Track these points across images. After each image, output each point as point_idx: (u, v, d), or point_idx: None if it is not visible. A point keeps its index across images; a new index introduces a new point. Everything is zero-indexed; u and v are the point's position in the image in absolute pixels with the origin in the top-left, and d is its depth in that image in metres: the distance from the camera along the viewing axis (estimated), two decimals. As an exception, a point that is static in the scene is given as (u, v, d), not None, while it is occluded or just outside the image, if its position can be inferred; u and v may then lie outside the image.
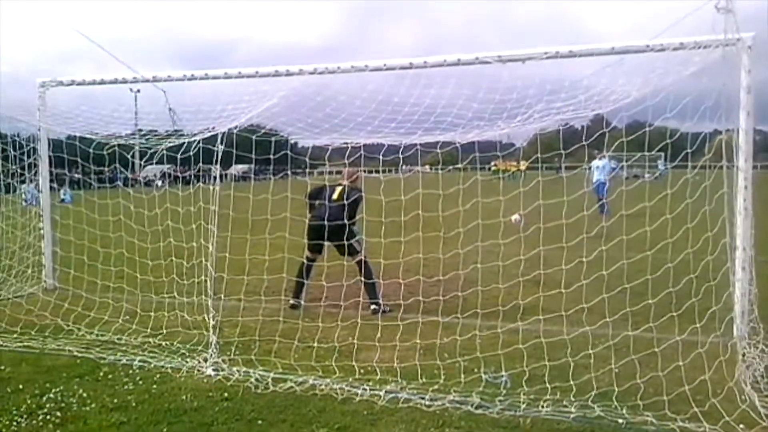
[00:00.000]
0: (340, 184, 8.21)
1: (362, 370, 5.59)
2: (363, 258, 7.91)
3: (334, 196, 8.07)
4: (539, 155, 6.99)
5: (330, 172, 8.67)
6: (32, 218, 9.41)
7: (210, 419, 4.69)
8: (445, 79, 7.21)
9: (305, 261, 8.13)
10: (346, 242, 7.72)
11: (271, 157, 7.56)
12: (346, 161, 7.98)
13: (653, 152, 8.15)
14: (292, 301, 8.00)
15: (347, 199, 7.82)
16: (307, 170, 8.32)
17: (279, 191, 7.31)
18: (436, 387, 5.18)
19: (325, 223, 7.47)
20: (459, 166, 6.78)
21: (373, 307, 7.65)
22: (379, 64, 7.22)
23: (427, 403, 4.87)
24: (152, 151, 7.87)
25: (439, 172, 7.13)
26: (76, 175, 10.72)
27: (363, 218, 7.66)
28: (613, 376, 5.11)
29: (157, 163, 8.06)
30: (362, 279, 7.82)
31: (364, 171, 8.56)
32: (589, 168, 18.46)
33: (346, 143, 7.05)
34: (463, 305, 6.67)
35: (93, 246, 8.41)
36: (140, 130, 8.57)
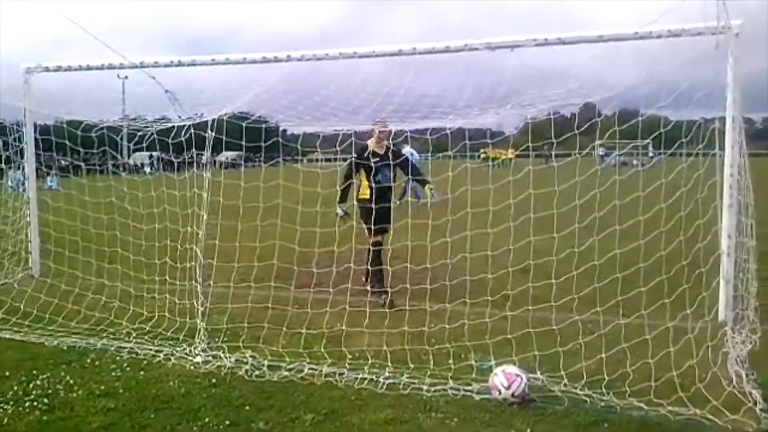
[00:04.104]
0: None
1: (351, 356, 5.60)
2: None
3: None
4: (530, 143, 6.97)
5: (319, 160, 8.60)
6: (20, 205, 9.31)
7: (198, 405, 4.69)
8: (437, 67, 7.16)
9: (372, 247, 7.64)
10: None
11: (262, 144, 7.51)
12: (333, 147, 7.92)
13: (644, 141, 8.13)
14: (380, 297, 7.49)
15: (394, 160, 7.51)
16: (298, 157, 8.28)
17: (268, 179, 7.25)
18: (428, 373, 5.18)
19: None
20: (449, 153, 6.73)
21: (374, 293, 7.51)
22: (369, 50, 7.15)
23: (418, 387, 4.89)
24: (141, 134, 7.78)
25: (429, 159, 7.08)
26: (63, 162, 10.57)
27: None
28: (602, 363, 5.08)
29: (146, 149, 7.97)
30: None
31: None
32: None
33: (337, 130, 6.99)
34: (451, 293, 6.58)
35: (84, 229, 8.32)
36: (127, 116, 8.48)
